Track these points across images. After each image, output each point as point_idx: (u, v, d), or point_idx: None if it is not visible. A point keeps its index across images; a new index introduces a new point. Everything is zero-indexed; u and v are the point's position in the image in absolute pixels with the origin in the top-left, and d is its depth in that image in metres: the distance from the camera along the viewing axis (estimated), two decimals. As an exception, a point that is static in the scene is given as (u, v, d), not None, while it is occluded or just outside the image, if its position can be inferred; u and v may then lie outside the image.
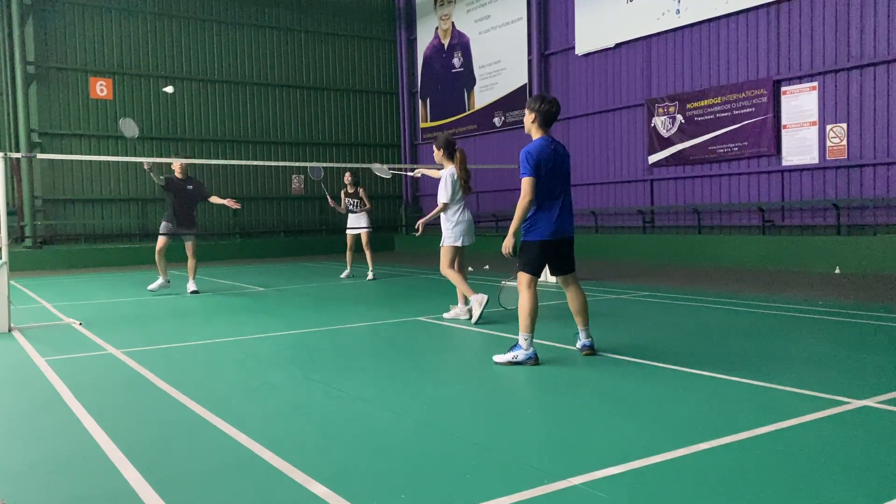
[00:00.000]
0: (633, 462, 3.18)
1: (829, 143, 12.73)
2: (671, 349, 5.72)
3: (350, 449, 3.50)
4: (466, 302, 7.48)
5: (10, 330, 7.44)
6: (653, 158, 15.71)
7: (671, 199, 15.60)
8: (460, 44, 21.32)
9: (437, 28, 22.29)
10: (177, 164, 10.72)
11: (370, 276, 12.42)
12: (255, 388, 4.82)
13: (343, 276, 12.82)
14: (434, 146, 7.63)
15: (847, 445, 3.36)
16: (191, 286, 10.73)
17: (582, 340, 5.55)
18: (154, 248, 10.65)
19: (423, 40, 22.87)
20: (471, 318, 7.30)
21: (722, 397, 4.28)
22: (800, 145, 13.15)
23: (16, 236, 17.83)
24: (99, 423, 4.00)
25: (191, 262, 10.76)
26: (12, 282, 8.98)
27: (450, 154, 7.46)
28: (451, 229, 7.49)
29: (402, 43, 23.68)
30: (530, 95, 18.58)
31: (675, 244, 14.75)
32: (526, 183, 5.21)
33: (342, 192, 12.74)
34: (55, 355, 6.08)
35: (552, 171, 5.29)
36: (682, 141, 15.04)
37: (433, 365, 5.57)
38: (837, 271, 11.73)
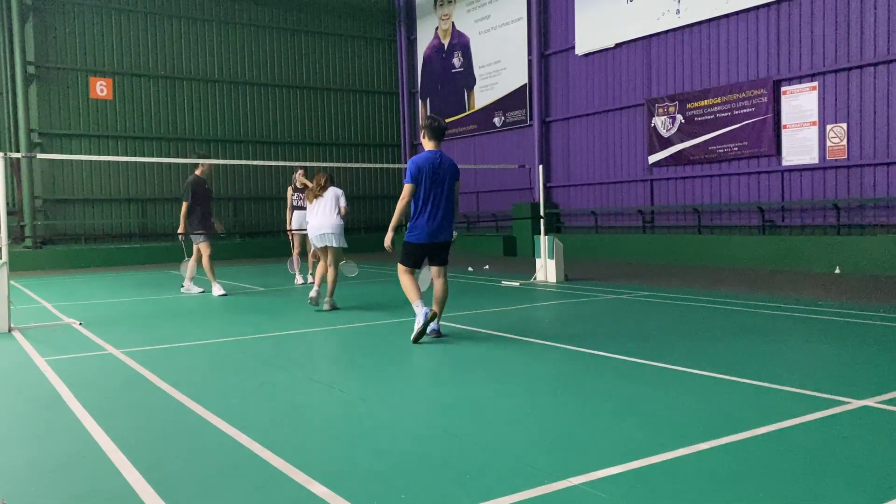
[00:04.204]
0: (633, 462, 3.18)
1: (829, 143, 12.73)
2: (671, 349, 5.72)
3: (350, 449, 3.51)
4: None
5: (10, 330, 7.45)
6: (653, 158, 15.71)
7: (671, 199, 15.59)
8: (460, 44, 21.31)
9: (437, 28, 22.29)
10: (206, 165, 10.82)
11: (299, 280, 11.94)
12: (255, 388, 4.82)
13: (297, 282, 11.92)
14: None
15: (847, 445, 3.36)
16: (217, 289, 10.47)
17: (433, 326, 6.44)
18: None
19: (423, 40, 22.87)
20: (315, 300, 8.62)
21: (722, 397, 4.28)
22: (800, 145, 13.14)
23: (16, 236, 17.83)
24: (99, 423, 4.00)
25: (206, 263, 10.54)
26: (12, 282, 8.97)
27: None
28: None
29: (402, 43, 23.68)
30: (530, 95, 18.61)
31: (675, 244, 14.74)
32: (405, 188, 6.20)
33: (289, 187, 11.69)
34: (55, 355, 6.08)
35: (432, 181, 6.13)
36: (682, 141, 15.03)
37: (433, 365, 5.57)
38: (837, 271, 11.73)
